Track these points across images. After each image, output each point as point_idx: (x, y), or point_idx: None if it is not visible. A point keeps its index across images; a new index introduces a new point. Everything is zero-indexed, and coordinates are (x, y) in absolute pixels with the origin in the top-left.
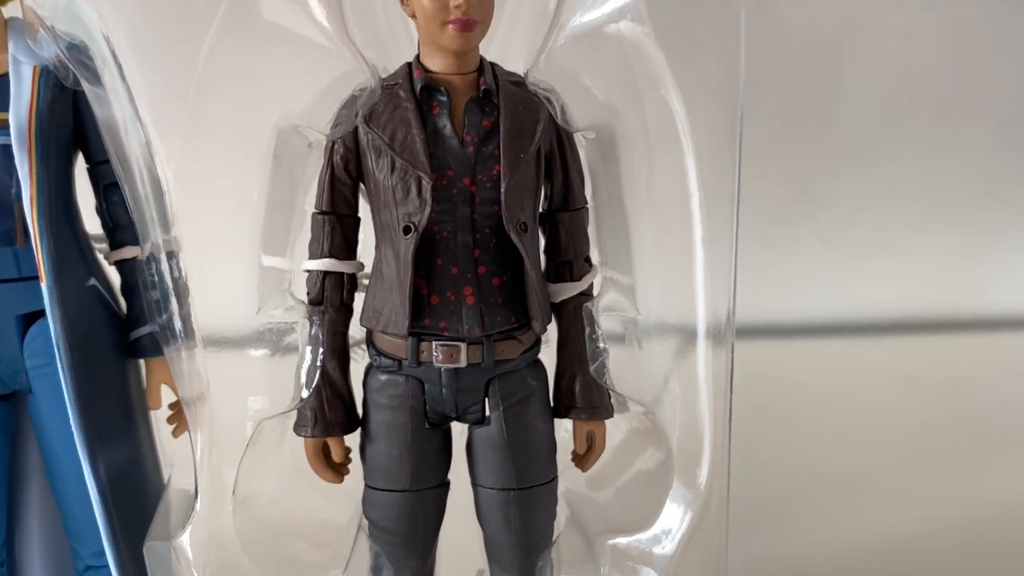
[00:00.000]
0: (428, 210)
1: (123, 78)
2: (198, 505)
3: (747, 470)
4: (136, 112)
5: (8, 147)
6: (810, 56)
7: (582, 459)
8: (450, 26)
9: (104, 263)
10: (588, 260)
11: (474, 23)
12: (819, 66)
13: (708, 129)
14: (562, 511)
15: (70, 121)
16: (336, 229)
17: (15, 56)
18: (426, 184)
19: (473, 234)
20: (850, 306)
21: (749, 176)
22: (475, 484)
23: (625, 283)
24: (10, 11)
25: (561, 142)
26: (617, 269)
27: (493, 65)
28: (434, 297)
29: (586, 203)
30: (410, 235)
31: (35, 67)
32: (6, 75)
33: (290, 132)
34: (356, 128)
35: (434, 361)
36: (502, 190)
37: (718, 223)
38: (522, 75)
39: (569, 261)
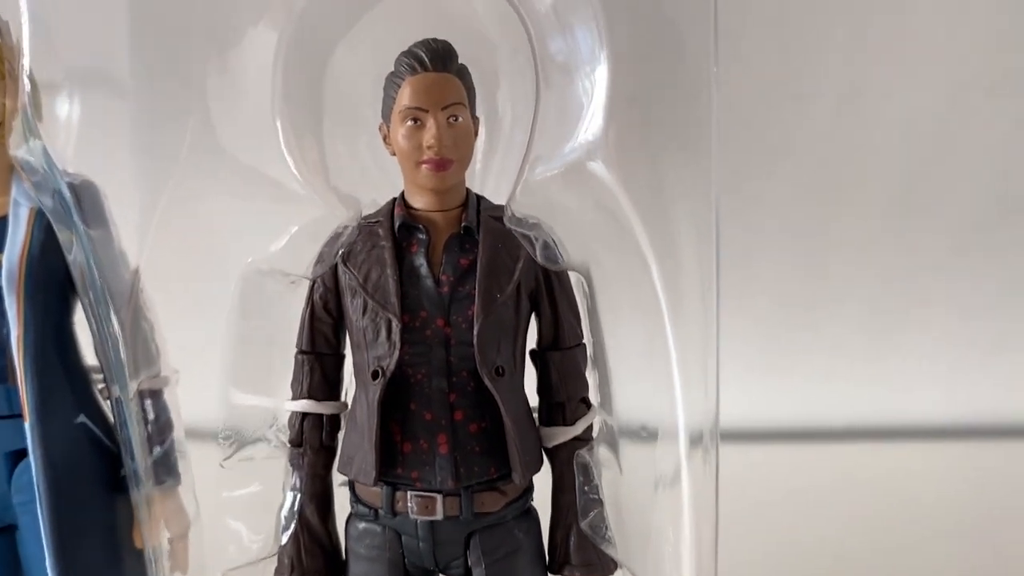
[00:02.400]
0: (397, 354)
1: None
2: None
3: None
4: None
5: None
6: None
7: None
8: (424, 166)
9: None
10: (585, 401)
11: (449, 162)
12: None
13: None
14: None
15: (65, 262)
16: (315, 368)
17: (16, 199)
18: (395, 326)
19: (449, 378)
20: (857, 410)
21: (749, 291)
22: None
23: (610, 426)
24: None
25: (549, 278)
26: (606, 411)
27: (480, 199)
28: (407, 444)
29: (580, 341)
30: (378, 380)
31: (31, 208)
32: (7, 217)
33: (262, 274)
34: (336, 267)
35: (409, 512)
36: (475, 331)
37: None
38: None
39: (562, 403)
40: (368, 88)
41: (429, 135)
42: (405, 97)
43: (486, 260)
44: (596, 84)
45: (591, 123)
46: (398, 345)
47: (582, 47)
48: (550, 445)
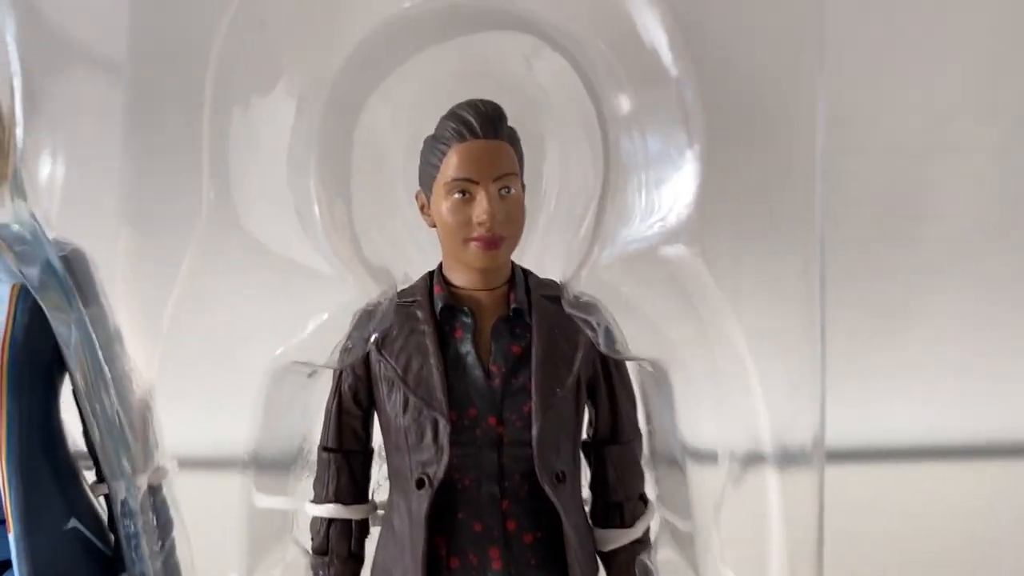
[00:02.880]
0: (446, 459)
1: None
2: None
3: None
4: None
5: None
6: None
7: None
8: (473, 244)
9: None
10: (643, 499)
11: (500, 240)
12: (903, 185)
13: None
14: None
15: (52, 343)
16: (343, 469)
17: None
18: (443, 428)
19: (500, 483)
20: (940, 428)
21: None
22: None
23: (683, 531)
24: None
25: (607, 366)
26: (675, 512)
27: (527, 274)
28: (454, 559)
29: (639, 434)
30: (424, 490)
31: (14, 286)
32: None
33: (287, 368)
34: (368, 354)
35: None
36: (534, 434)
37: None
38: (560, 284)
39: (619, 503)
40: (399, 151)
41: (479, 210)
42: (452, 167)
43: (542, 348)
44: (682, 172)
45: (675, 209)
46: (446, 449)
47: (667, 143)
48: (606, 549)
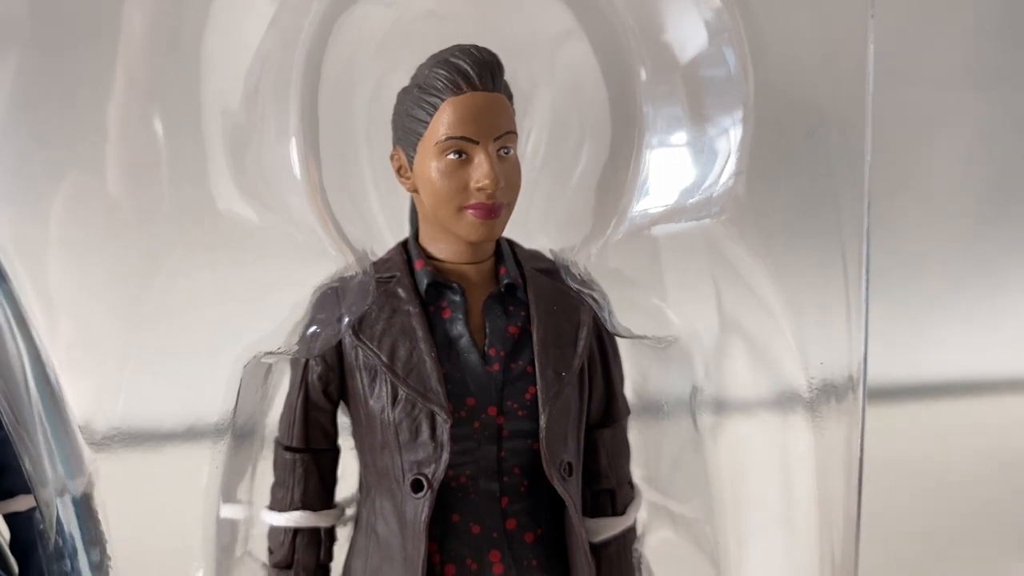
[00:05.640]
0: (446, 458)
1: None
2: None
3: None
4: (21, 318)
5: None
6: None
7: None
8: (470, 212)
9: None
10: (631, 484)
11: (500, 207)
12: None
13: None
14: None
15: None
16: (311, 471)
17: None
18: (442, 422)
19: (499, 479)
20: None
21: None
22: None
23: (684, 515)
24: None
25: (603, 346)
26: (673, 496)
27: (513, 245)
28: (450, 566)
29: (628, 411)
30: (422, 493)
31: None
32: None
33: (256, 358)
34: (341, 339)
35: None
36: (542, 424)
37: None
38: (547, 255)
39: (611, 489)
40: (362, 104)
41: (480, 174)
42: (445, 123)
43: (543, 328)
44: (731, 142)
45: (718, 183)
46: (446, 446)
47: (718, 122)
48: (596, 540)
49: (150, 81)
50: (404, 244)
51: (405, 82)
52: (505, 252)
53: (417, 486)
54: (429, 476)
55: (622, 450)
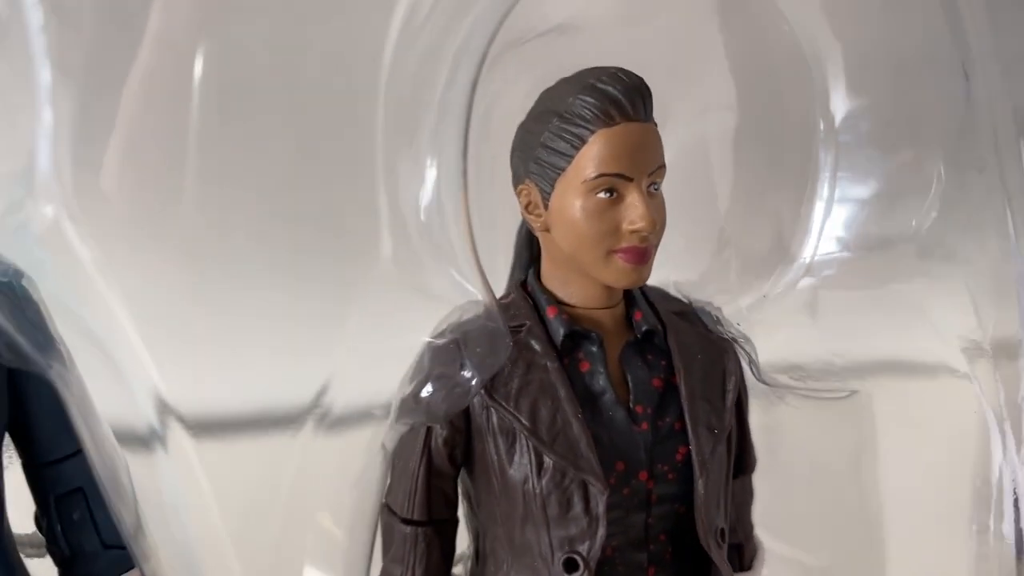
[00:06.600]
0: (602, 533)
1: None
2: None
3: None
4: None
5: None
6: None
7: None
8: (619, 256)
9: None
10: (755, 538)
11: (651, 250)
12: None
13: None
14: None
15: (4, 407)
16: (434, 545)
17: None
18: (596, 493)
19: (646, 547)
20: None
21: None
22: None
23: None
24: None
25: (740, 395)
26: (799, 546)
27: (642, 287)
28: None
29: (756, 461)
30: (577, 574)
31: None
32: None
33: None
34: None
35: None
36: (699, 489)
37: None
38: (679, 296)
39: (739, 544)
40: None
41: (635, 215)
42: (596, 158)
43: (690, 380)
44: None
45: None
46: (602, 520)
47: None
48: None
49: None
50: (523, 286)
51: (517, 106)
52: (636, 294)
53: (571, 566)
54: (584, 554)
55: (749, 502)
